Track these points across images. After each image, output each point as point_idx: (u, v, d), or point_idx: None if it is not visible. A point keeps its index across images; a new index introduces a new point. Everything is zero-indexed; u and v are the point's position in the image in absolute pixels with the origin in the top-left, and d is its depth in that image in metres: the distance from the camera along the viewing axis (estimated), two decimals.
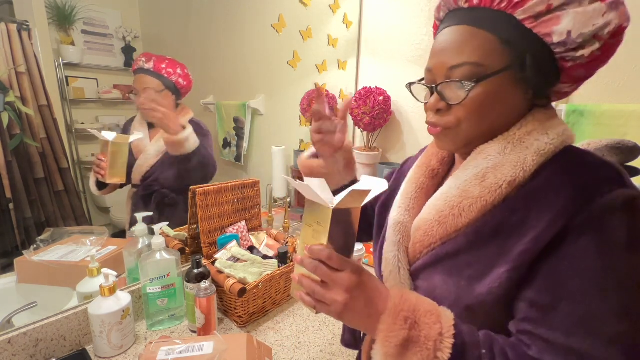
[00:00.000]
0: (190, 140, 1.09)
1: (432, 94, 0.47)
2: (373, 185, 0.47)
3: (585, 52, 0.41)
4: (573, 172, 0.40)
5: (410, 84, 0.53)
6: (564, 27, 0.39)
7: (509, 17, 0.42)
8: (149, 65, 1.15)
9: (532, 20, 0.41)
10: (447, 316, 0.41)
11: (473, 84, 0.42)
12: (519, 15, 0.41)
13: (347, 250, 0.46)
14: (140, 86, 1.15)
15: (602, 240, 0.37)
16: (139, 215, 0.93)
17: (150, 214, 0.96)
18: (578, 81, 0.46)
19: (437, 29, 0.50)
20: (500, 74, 0.42)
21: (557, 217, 0.38)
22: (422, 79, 0.50)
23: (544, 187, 0.41)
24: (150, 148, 1.20)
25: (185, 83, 1.22)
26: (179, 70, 1.20)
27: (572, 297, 0.37)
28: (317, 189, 0.42)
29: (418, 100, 0.52)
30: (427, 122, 0.50)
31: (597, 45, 0.40)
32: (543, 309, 0.39)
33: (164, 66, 1.17)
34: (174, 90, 1.19)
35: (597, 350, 0.36)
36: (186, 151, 1.09)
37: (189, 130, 1.09)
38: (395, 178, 0.66)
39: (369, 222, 0.69)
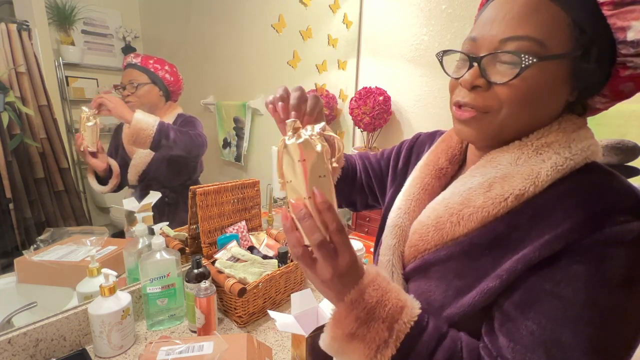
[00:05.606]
0: (147, 119, 1.06)
1: (469, 67, 0.40)
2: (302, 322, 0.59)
3: None
4: (589, 195, 0.36)
5: (443, 52, 0.45)
6: None
7: None
8: (137, 60, 1.17)
9: (611, 7, 0.35)
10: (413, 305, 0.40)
11: (534, 60, 0.36)
12: None
13: None
14: (126, 79, 1.17)
15: (596, 273, 0.34)
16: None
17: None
18: (617, 98, 0.41)
19: (485, 2, 0.44)
20: (561, 60, 0.37)
21: (555, 239, 0.35)
22: (456, 52, 0.43)
23: (553, 206, 0.37)
24: None
25: (172, 79, 1.23)
26: (166, 67, 1.21)
27: (542, 318, 0.35)
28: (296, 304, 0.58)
29: (447, 74, 0.45)
30: (456, 104, 0.43)
31: None
32: (512, 320, 0.37)
33: (151, 62, 1.19)
34: (161, 85, 1.20)
35: None
36: (151, 132, 1.06)
37: (139, 111, 1.07)
38: (405, 163, 0.63)
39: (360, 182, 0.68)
